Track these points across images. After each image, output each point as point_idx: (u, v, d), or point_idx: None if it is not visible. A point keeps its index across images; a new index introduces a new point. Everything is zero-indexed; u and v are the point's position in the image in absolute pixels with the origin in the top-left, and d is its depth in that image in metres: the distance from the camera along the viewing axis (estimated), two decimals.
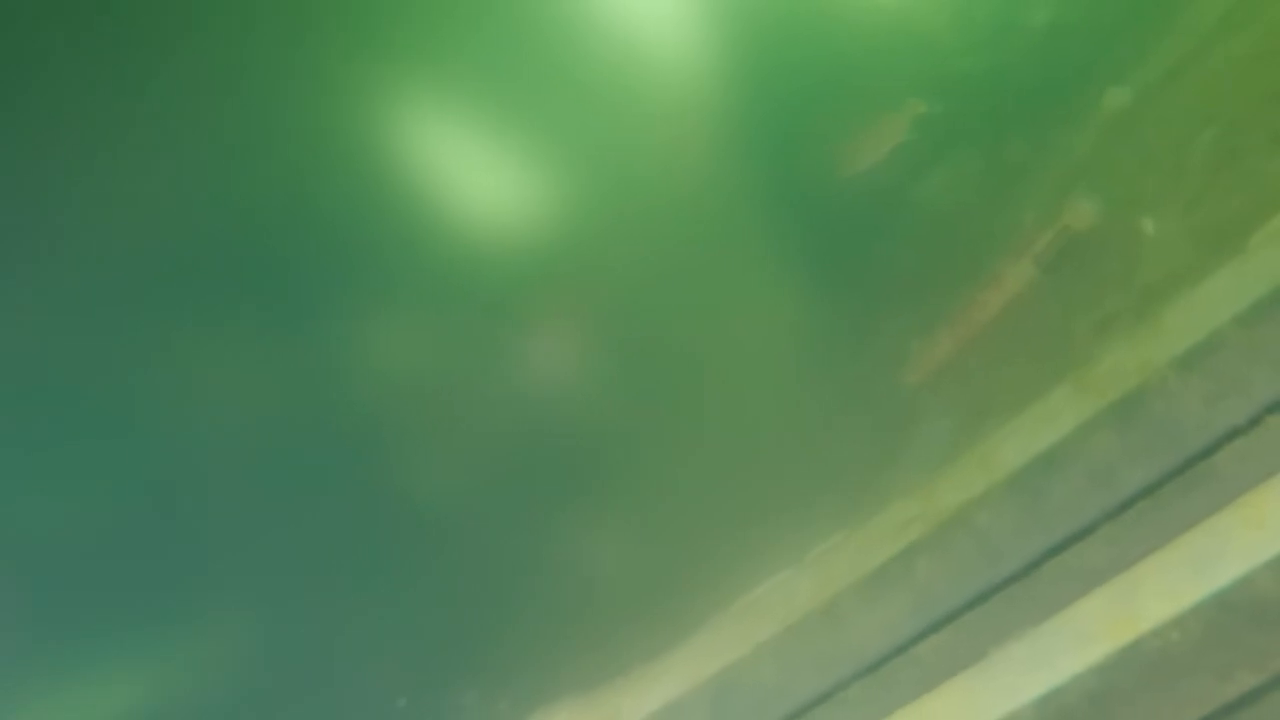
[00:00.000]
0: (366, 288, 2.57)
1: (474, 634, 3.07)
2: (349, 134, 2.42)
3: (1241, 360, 2.45)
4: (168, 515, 2.71)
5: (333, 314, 2.58)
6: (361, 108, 2.40)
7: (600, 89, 2.47)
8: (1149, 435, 2.53)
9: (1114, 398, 2.60)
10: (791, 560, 2.90)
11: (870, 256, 2.70)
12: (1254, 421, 2.39)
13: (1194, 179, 2.62)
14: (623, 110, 2.50)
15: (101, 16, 2.22)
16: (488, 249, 2.56)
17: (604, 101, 2.48)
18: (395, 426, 2.72)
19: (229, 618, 2.88)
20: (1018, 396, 2.71)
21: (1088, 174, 2.65)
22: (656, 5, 2.40)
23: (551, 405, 2.75)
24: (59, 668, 2.85)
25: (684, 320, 2.74)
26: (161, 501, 2.70)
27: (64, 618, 2.79)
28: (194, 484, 2.69)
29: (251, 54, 2.32)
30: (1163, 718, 2.42)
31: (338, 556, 2.85)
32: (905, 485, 2.80)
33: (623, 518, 2.96)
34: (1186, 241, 2.59)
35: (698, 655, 2.98)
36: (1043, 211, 2.66)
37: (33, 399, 2.54)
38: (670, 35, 2.42)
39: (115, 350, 2.53)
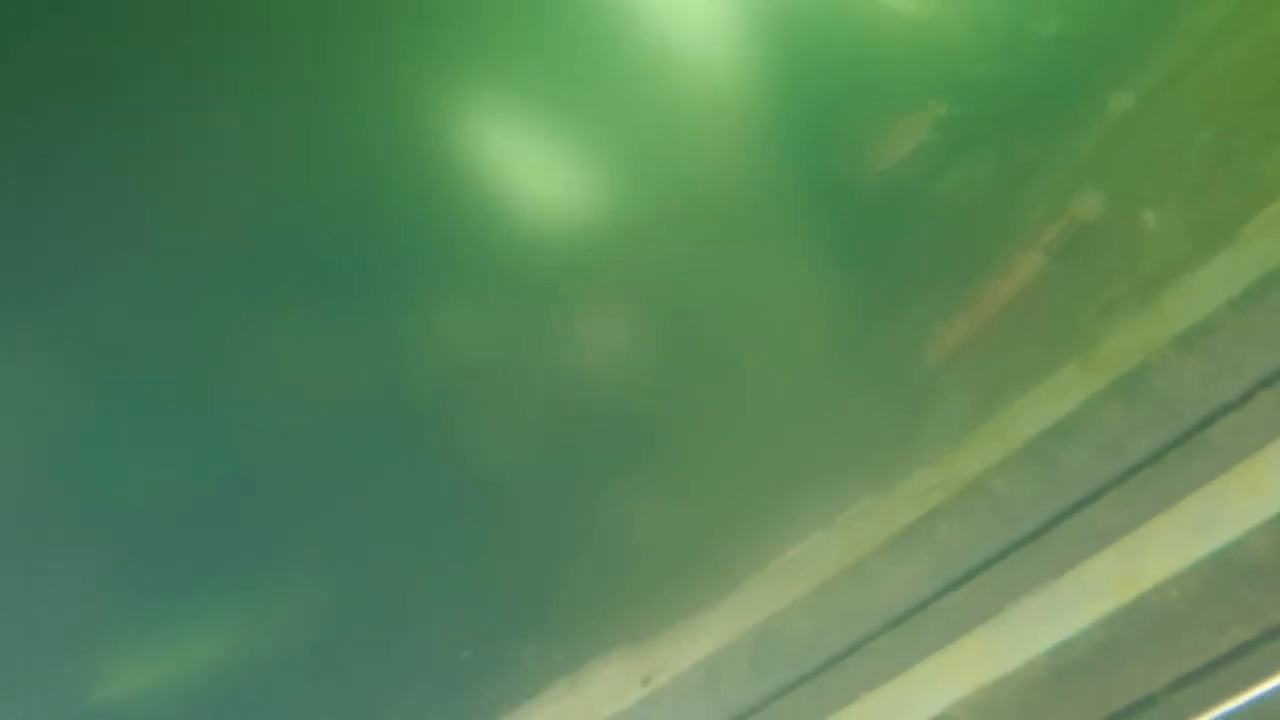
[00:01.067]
0: (430, 276, 2.66)
1: (531, 592, 3.16)
2: (415, 136, 2.51)
3: (1235, 341, 2.57)
4: (249, 484, 2.82)
5: (399, 300, 2.67)
6: (427, 112, 2.49)
7: (647, 94, 2.55)
8: (1151, 409, 2.64)
9: (1118, 375, 2.71)
10: (822, 524, 3.00)
11: (894, 246, 2.81)
12: (1247, 397, 2.51)
13: (1192, 175, 2.71)
14: (668, 114, 2.58)
15: (186, 33, 2.31)
16: (541, 240, 2.65)
17: (651, 105, 2.57)
18: (457, 403, 2.81)
19: (306, 577, 2.99)
20: (1030, 374, 2.82)
21: (1094, 171, 2.74)
22: (701, 18, 2.49)
23: (601, 383, 2.84)
24: (151, 623, 2.95)
25: (723, 304, 2.84)
26: (244, 471, 2.80)
27: (156, 577, 2.90)
28: (273, 456, 2.79)
29: (324, 65, 2.41)
30: (1164, 668, 2.52)
31: (405, 522, 2.95)
32: (927, 455, 2.90)
33: (667, 486, 3.05)
34: (1185, 232, 2.70)
35: (736, 611, 3.08)
36: (1052, 205, 2.76)
37: (128, 380, 2.64)
38: (713, 44, 2.51)
39: (202, 334, 2.62)
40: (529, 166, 2.62)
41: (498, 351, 2.82)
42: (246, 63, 2.40)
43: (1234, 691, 2.53)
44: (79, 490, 2.79)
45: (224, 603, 3.03)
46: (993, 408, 2.86)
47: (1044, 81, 2.65)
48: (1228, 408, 2.54)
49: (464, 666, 3.19)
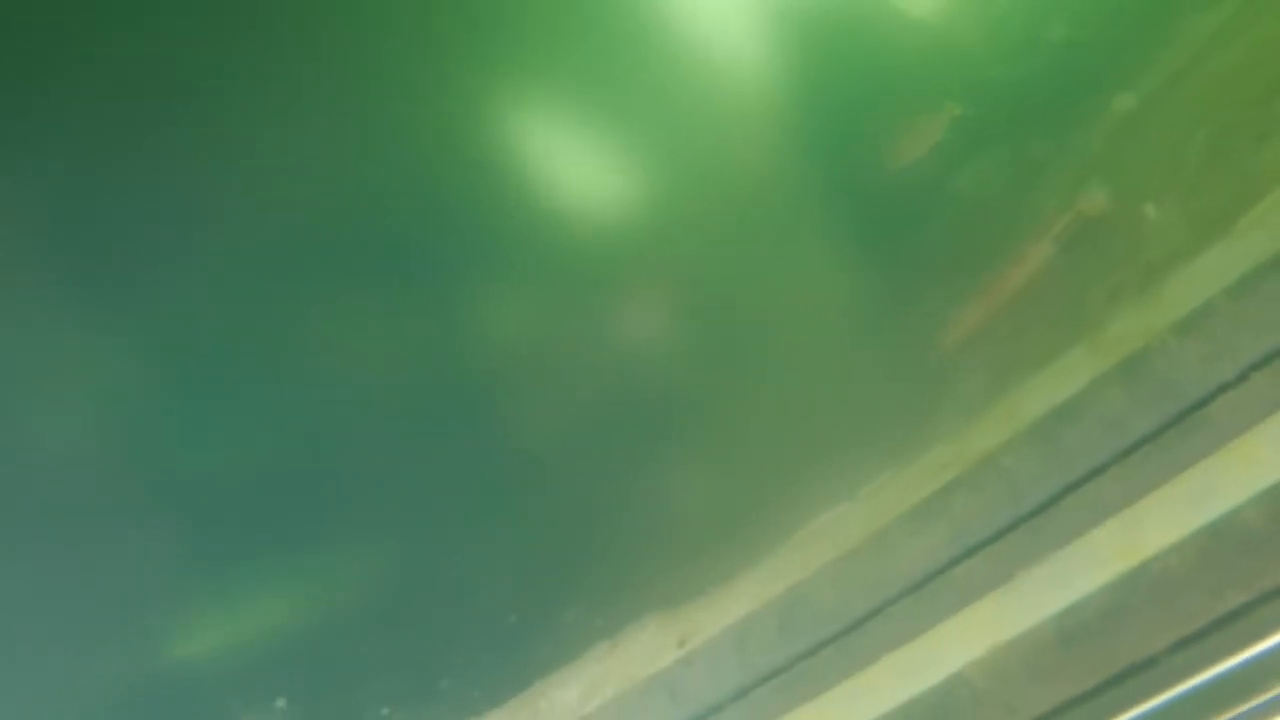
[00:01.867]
0: (482, 263, 2.72)
1: (573, 561, 3.24)
2: (468, 132, 2.56)
3: (1231, 325, 2.63)
4: (314, 458, 2.91)
5: (453, 286, 2.73)
6: (479, 110, 2.54)
7: (683, 97, 2.60)
8: (1152, 389, 2.70)
9: (1121, 357, 2.76)
10: (845, 496, 3.07)
11: (913, 237, 2.85)
12: (1242, 377, 2.60)
13: (1190, 172, 2.75)
14: (702, 115, 2.63)
15: (259, 39, 2.40)
16: (584, 231, 2.71)
17: (686, 107, 2.62)
18: (506, 382, 2.88)
19: (366, 546, 3.08)
20: (1039, 356, 2.89)
21: (1099, 168, 2.77)
22: (733, 26, 2.54)
23: (639, 364, 2.91)
24: (222, 585, 3.05)
25: (753, 291, 2.89)
26: (309, 445, 2.89)
27: (227, 543, 2.99)
28: (337, 431, 2.88)
29: (386, 64, 2.46)
30: (1163, 631, 2.63)
31: (456, 494, 3.03)
32: (942, 432, 2.97)
33: (699, 460, 3.12)
34: (1183, 225, 2.74)
35: (765, 578, 3.14)
36: (1060, 200, 2.80)
37: (204, 359, 2.72)
38: (744, 51, 2.57)
39: (272, 318, 2.71)
40: (573, 164, 2.66)
41: (544, 334, 2.87)
42: (311, 65, 2.46)
43: (1230, 652, 2.64)
44: (158, 463, 2.87)
45: (289, 567, 3.11)
46: (1004, 388, 2.92)
47: (1053, 84, 2.67)
48: (1224, 387, 2.63)
49: (512, 629, 3.25)
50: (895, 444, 3.05)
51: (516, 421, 2.98)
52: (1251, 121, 2.71)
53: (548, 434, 3.02)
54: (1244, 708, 2.75)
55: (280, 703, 3.29)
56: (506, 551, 3.21)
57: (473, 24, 2.50)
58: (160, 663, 3.16)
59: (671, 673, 3.25)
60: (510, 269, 2.80)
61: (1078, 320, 2.84)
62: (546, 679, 3.39)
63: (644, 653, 3.28)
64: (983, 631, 2.83)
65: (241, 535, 3.04)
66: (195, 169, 2.53)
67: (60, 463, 2.83)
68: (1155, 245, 2.78)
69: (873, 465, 3.07)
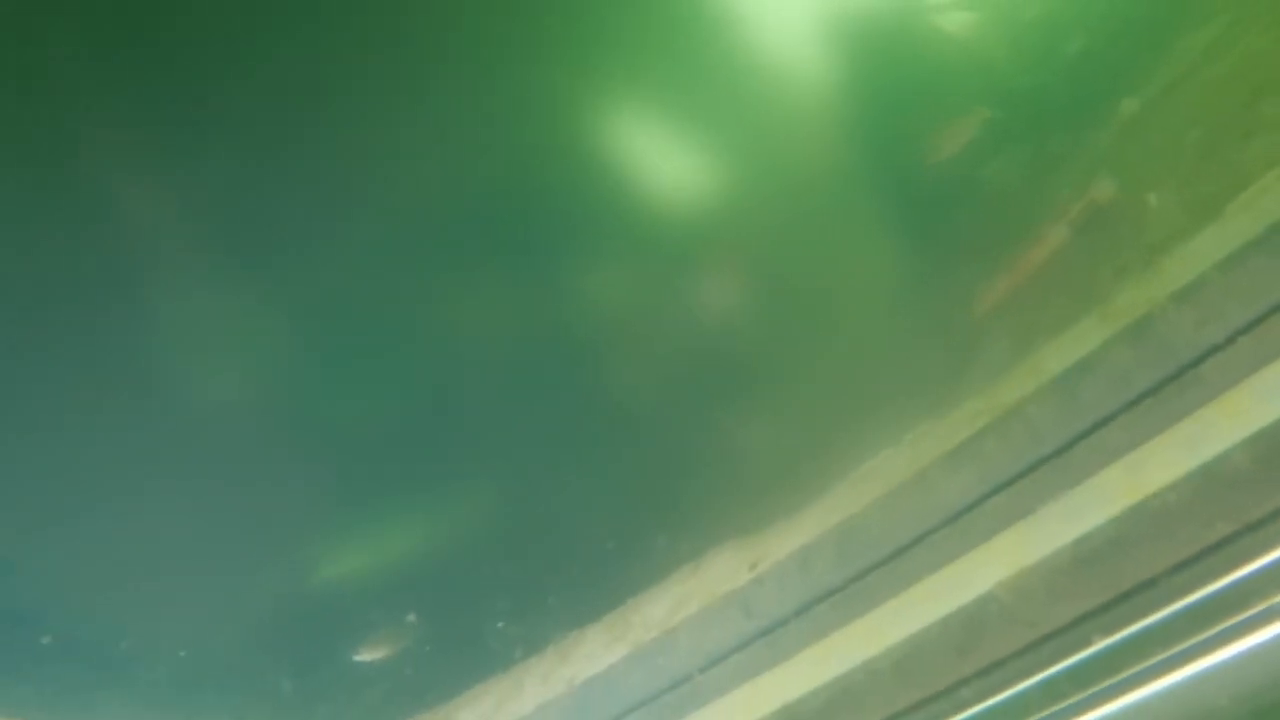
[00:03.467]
0: (583, 242, 2.91)
1: (661, 496, 3.44)
2: (571, 131, 2.76)
3: (1221, 296, 2.75)
4: (440, 411, 3.12)
5: (557, 263, 2.91)
6: (581, 112, 2.74)
7: (755, 100, 2.79)
8: (1153, 350, 2.82)
9: (1127, 323, 2.87)
10: (891, 441, 3.23)
11: (948, 222, 3.02)
12: (1230, 340, 2.74)
13: (1186, 165, 2.91)
14: (770, 116, 2.82)
15: (396, 46, 2.58)
16: (669, 214, 2.88)
17: (757, 109, 2.81)
18: (601, 345, 3.07)
19: (484, 485, 3.31)
20: (1057, 323, 2.99)
21: (1109, 162, 2.93)
22: (797, 42, 2.73)
23: (714, 330, 3.08)
24: (358, 522, 3.29)
25: (812, 267, 3.07)
26: (435, 400, 3.10)
27: (363, 486, 3.21)
28: (458, 388, 3.08)
29: (501, 74, 2.65)
30: (1163, 556, 2.77)
31: (560, 440, 3.25)
32: (975, 388, 3.09)
33: (766, 412, 3.30)
34: (1180, 210, 2.87)
35: (824, 511, 3.28)
36: (1075, 189, 2.95)
37: (346, 325, 2.93)
38: (806, 62, 2.76)
39: (403, 289, 2.90)
40: (660, 158, 2.85)
41: (634, 303, 3.05)
42: (438, 75, 2.67)
43: (1221, 574, 2.78)
44: (305, 416, 3.11)
45: (418, 503, 3.34)
46: (1027, 350, 3.05)
47: (1069, 90, 2.83)
48: (1215, 349, 2.77)
49: (609, 554, 3.48)
50: (934, 397, 3.17)
51: (611, 378, 3.18)
52: (1239, 122, 2.87)
53: (637, 389, 3.21)
54: (1233, 621, 2.81)
55: (411, 617, 3.50)
56: (603, 489, 3.42)
57: (576, 40, 2.73)
58: (311, 583, 3.39)
59: (745, 591, 3.38)
60: (606, 248, 3.01)
61: (1090, 292, 2.94)
62: (637, 597, 3.56)
63: (721, 574, 3.43)
64: (1009, 557, 2.94)
65: (378, 476, 3.24)
66: (342, 164, 2.76)
67: (229, 414, 3.06)
68: (1156, 227, 2.90)
69: (915, 415, 3.21)
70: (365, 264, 2.90)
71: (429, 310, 3.02)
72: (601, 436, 3.32)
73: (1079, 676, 2.94)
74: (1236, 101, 2.88)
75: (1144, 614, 2.88)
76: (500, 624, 3.56)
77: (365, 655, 3.46)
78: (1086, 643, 2.91)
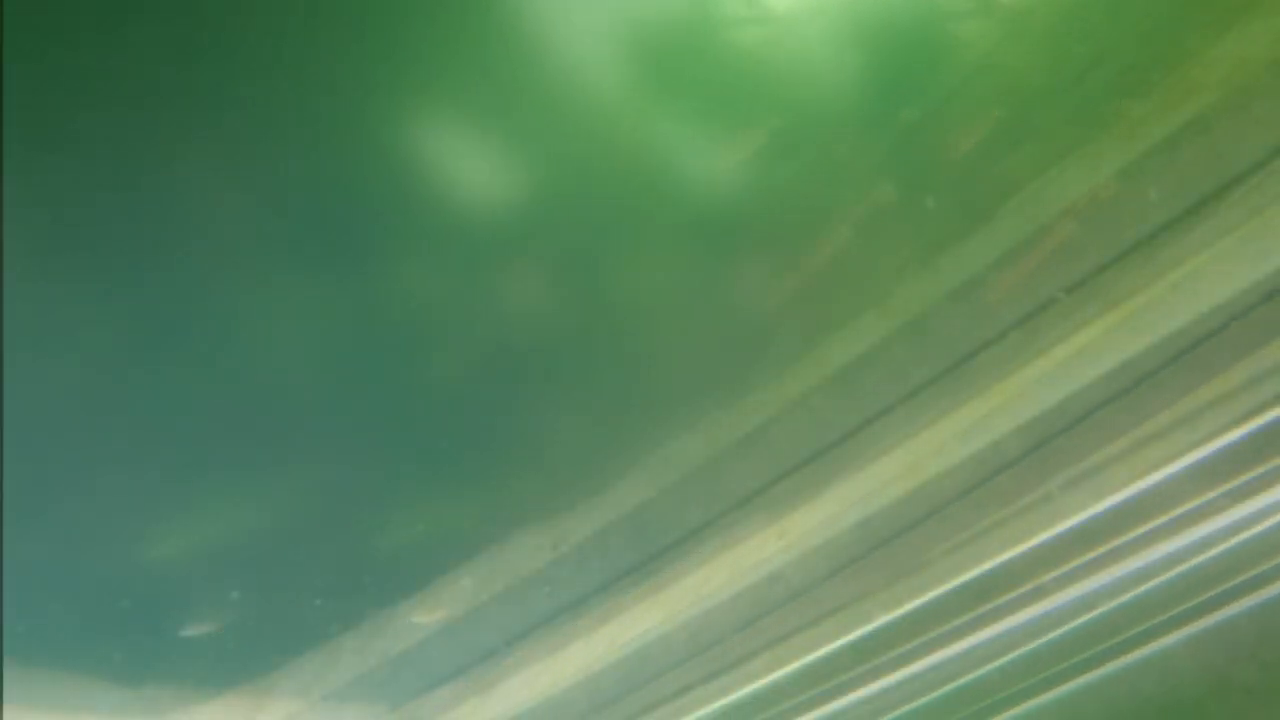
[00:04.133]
0: (396, 239, 2.97)
1: (468, 481, 3.46)
2: (384, 140, 2.82)
3: (993, 294, 3.00)
4: (261, 399, 3.17)
5: (369, 258, 2.98)
6: (399, 114, 2.81)
7: (559, 105, 2.88)
8: (930, 345, 3.03)
9: (906, 320, 3.04)
10: (685, 429, 3.32)
11: (734, 224, 3.15)
12: (1001, 336, 3.01)
13: (961, 171, 3.05)
14: (573, 121, 2.92)
15: (214, 44, 2.60)
16: (479, 213, 2.96)
17: (561, 113, 2.90)
18: (415, 338, 3.15)
19: (304, 472, 3.33)
20: (841, 318, 3.15)
21: (889, 167, 3.06)
22: (599, 52, 2.83)
23: (522, 323, 3.18)
24: (184, 510, 3.30)
25: (614, 264, 3.18)
26: (257, 390, 3.15)
27: (189, 475, 3.24)
28: (280, 377, 3.15)
29: (318, 81, 2.70)
30: (939, 537, 3.10)
31: (377, 427, 3.31)
32: (764, 379, 3.21)
33: (569, 401, 3.38)
34: (956, 213, 3.05)
35: (621, 495, 3.40)
36: (858, 192, 3.08)
37: (169, 321, 2.95)
38: (609, 70, 2.85)
39: (225, 283, 2.93)
40: (469, 157, 2.92)
41: (445, 298, 3.13)
42: (251, 87, 2.73)
43: (990, 556, 3.14)
44: (136, 404, 3.11)
45: (239, 491, 3.35)
46: (813, 344, 3.19)
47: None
48: (987, 344, 3.00)
49: (420, 534, 3.49)
50: (725, 388, 3.29)
51: (423, 369, 3.25)
52: (1009, 131, 3.04)
53: (447, 380, 3.29)
54: (1005, 599, 3.19)
55: (235, 595, 3.48)
56: (413, 474, 3.46)
57: (385, 55, 2.82)
58: (141, 561, 3.35)
59: (548, 570, 3.49)
60: (417, 245, 3.07)
61: (871, 289, 3.14)
62: (447, 574, 3.59)
63: (525, 553, 3.52)
64: (796, 538, 3.19)
65: (205, 463, 3.27)
66: (165, 167, 2.77)
67: (71, 404, 3.06)
68: (933, 229, 3.09)
69: (707, 405, 3.31)
70: (188, 261, 2.94)
71: (251, 304, 3.06)
72: (414, 424, 3.35)
73: (861, 650, 3.20)
74: (1006, 112, 3.02)
75: (921, 592, 3.16)
76: (318, 601, 3.58)
77: (192, 630, 3.47)
78: (868, 619, 3.16)
